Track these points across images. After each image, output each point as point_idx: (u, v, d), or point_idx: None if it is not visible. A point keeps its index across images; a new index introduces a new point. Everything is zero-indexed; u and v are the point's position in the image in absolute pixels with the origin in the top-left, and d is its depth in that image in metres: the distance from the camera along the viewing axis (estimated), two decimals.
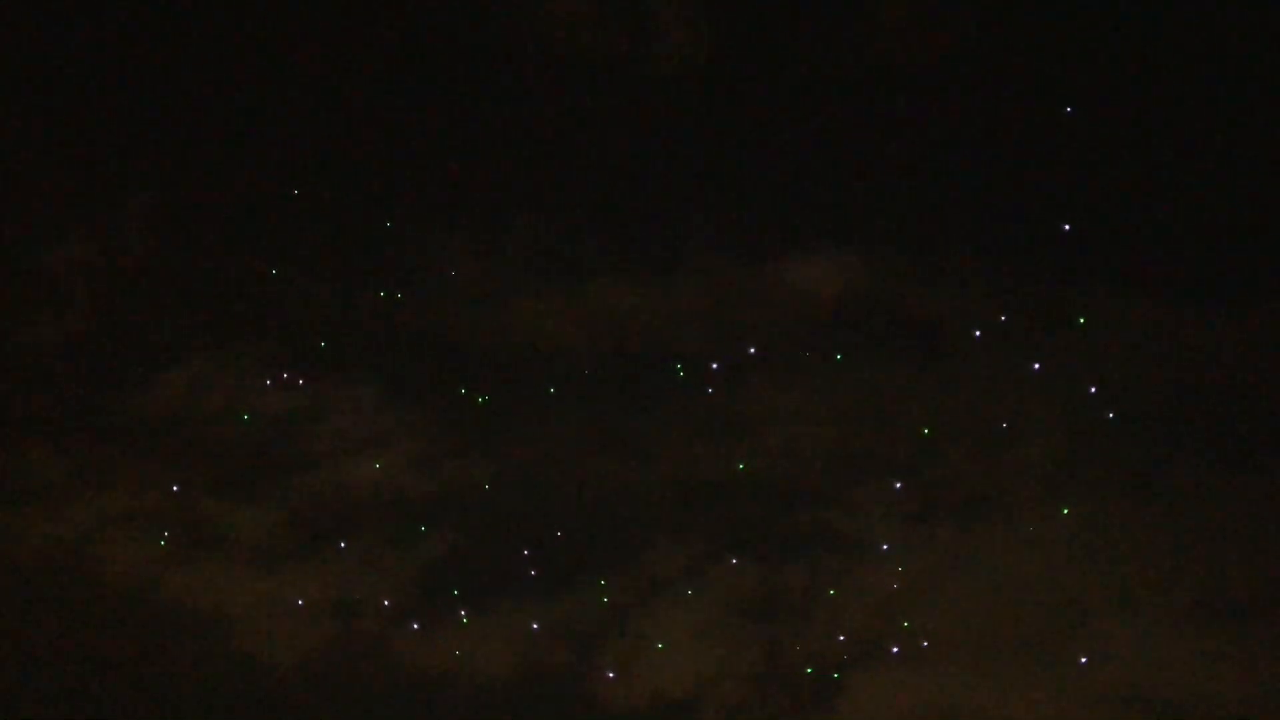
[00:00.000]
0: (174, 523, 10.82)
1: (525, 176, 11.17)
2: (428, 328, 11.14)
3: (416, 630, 10.61)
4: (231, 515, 10.88)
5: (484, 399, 10.91)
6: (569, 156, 11.18)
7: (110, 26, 11.35)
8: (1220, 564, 9.99)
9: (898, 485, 10.49)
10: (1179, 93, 10.49)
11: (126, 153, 11.33)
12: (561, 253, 11.16)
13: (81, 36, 11.35)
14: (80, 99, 11.36)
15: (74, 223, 11.24)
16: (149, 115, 11.33)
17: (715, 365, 10.81)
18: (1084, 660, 9.88)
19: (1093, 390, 10.25)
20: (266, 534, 10.84)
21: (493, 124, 11.22)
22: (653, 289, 11.04)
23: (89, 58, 11.37)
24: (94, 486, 10.86)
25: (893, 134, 10.87)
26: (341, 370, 11.09)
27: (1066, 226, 10.34)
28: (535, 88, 11.21)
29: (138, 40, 11.35)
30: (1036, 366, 10.38)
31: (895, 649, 10.20)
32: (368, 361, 11.14)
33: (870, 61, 10.89)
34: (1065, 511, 10.20)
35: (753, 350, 10.83)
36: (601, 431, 10.93)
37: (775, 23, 11.07)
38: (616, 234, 11.10)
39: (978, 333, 10.48)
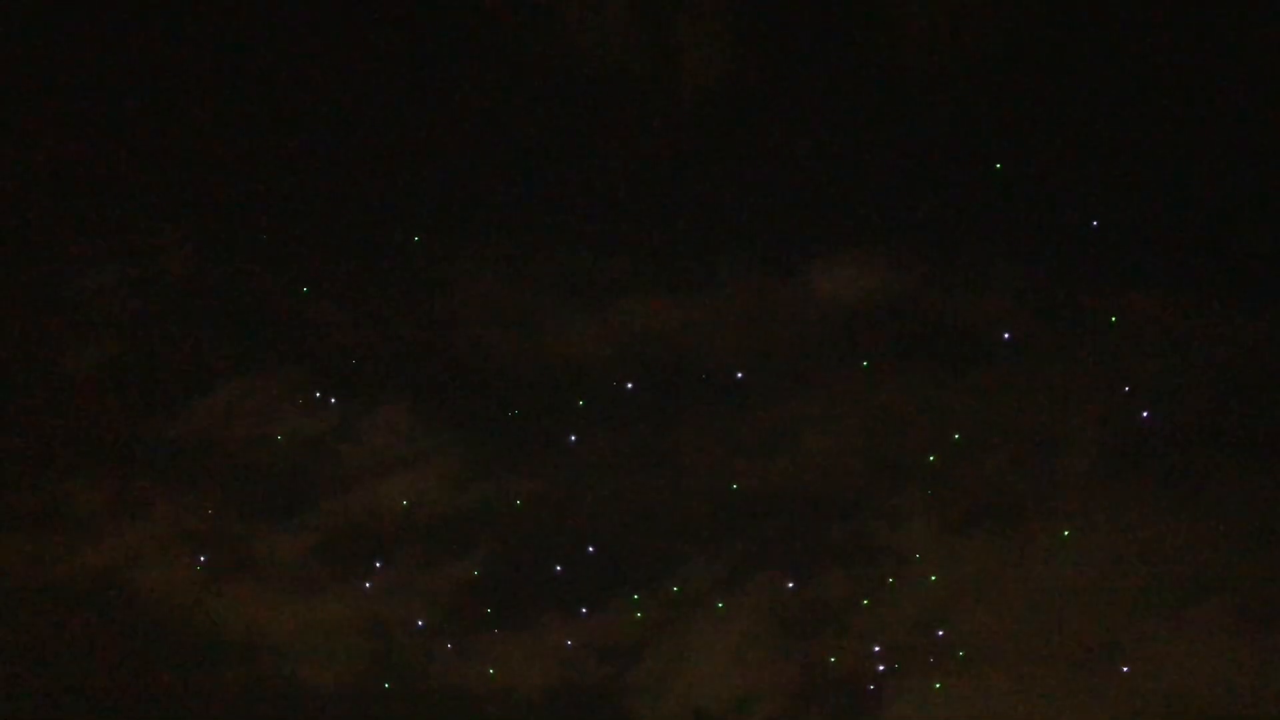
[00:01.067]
0: (210, 547, 10.87)
1: (554, 195, 11.22)
2: (458, 347, 11.17)
3: (452, 650, 10.60)
4: (267, 538, 10.91)
5: (514, 413, 10.90)
6: (596, 174, 11.21)
7: (146, 50, 11.43)
8: (1263, 568, 9.88)
9: (929, 493, 10.42)
10: (1214, 92, 10.43)
11: (159, 177, 11.40)
12: (591, 270, 11.16)
13: (116, 59, 11.44)
14: (115, 123, 11.44)
15: (107, 248, 11.31)
16: (183, 139, 11.39)
17: (745, 377, 10.77)
18: (1125, 669, 9.78)
19: (1127, 390, 10.16)
20: (302, 556, 10.88)
21: (522, 143, 11.27)
22: (683, 303, 11.05)
23: (125, 81, 11.45)
24: (130, 512, 10.91)
25: (919, 141, 10.86)
26: (373, 391, 11.13)
27: (1095, 223, 10.28)
28: (563, 107, 11.25)
29: (172, 63, 11.44)
30: (1070, 370, 10.31)
31: (934, 659, 10.12)
32: (399, 381, 11.15)
33: (895, 70, 10.87)
34: (1099, 517, 10.10)
35: (785, 361, 10.82)
36: (634, 447, 10.90)
37: (799, 35, 11.07)
38: (645, 250, 11.09)
39: (1006, 335, 10.41)
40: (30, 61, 11.48)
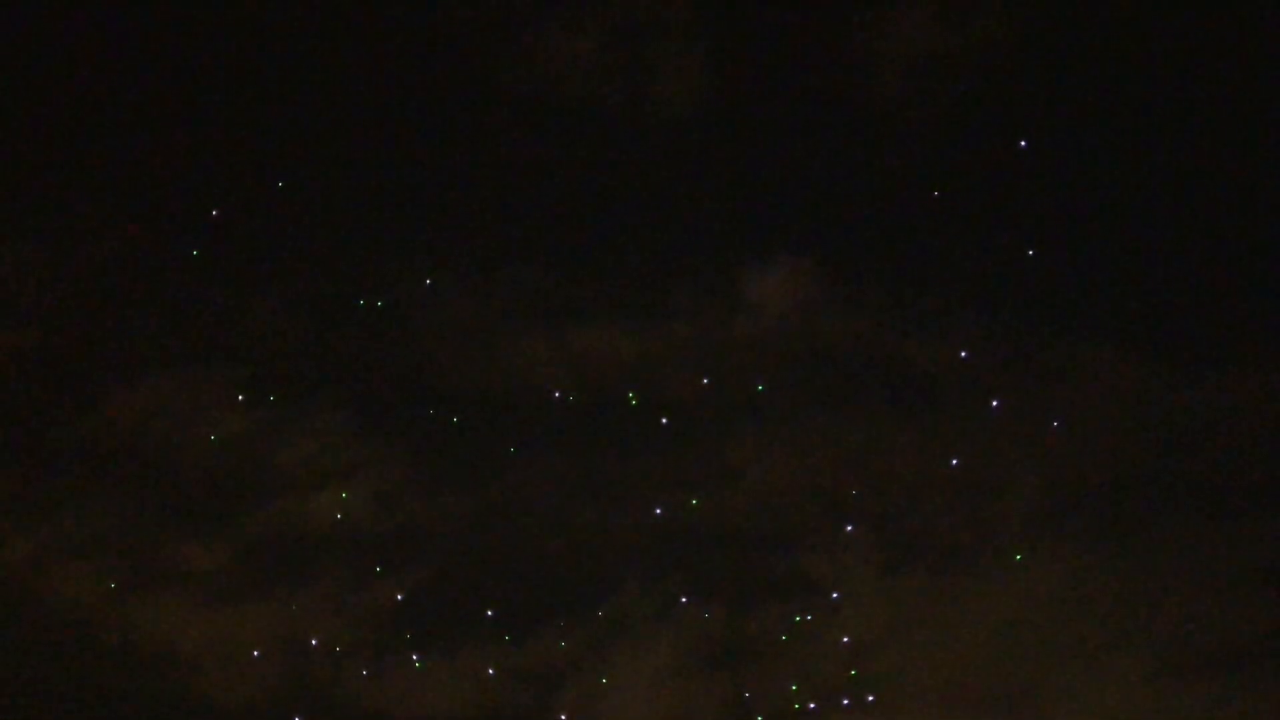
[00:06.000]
0: (124, 554, 10.49)
1: (517, 214, 11.07)
2: (404, 356, 10.90)
3: (371, 672, 10.35)
4: (184, 547, 10.55)
5: (455, 420, 10.65)
6: (562, 197, 11.06)
7: (77, 20, 10.99)
8: (1189, 616, 10.10)
9: (850, 530, 10.41)
10: (1167, 151, 10.67)
11: (82, 149, 10.94)
12: (545, 294, 11.01)
13: (39, 27, 11.01)
14: (34, 89, 10.99)
15: (21, 225, 10.86)
16: (110, 108, 10.99)
17: (692, 407, 10.70)
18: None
19: (1067, 439, 10.32)
20: (220, 568, 10.55)
21: (487, 161, 11.07)
22: (637, 332, 10.94)
23: (45, 47, 11.00)
24: (38, 512, 10.51)
25: (880, 182, 10.87)
26: (310, 396, 10.81)
27: (1045, 271, 10.44)
28: (532, 130, 11.11)
29: (104, 30, 11.01)
30: (1012, 415, 10.42)
31: (859, 699, 10.10)
32: (338, 388, 10.87)
33: (860, 113, 10.92)
34: (1018, 558, 10.21)
35: (733, 394, 10.73)
36: (575, 471, 10.76)
37: (769, 68, 11.06)
38: (600, 278, 11.00)
39: (934, 372, 10.51)
40: None
